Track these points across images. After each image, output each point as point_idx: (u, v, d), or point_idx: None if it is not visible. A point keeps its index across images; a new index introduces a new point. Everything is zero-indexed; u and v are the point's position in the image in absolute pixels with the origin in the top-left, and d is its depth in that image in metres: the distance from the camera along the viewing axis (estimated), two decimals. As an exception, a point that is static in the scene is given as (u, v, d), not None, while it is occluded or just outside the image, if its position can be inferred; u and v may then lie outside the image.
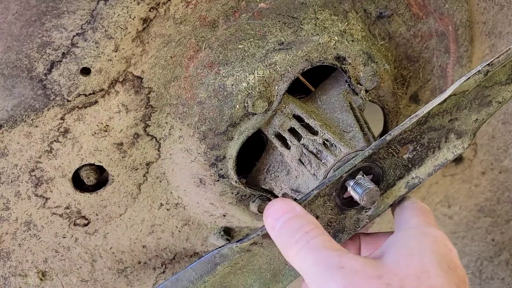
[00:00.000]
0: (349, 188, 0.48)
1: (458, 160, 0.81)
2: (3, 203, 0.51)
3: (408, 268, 0.38)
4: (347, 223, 0.51)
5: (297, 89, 0.59)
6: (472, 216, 0.85)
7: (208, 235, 0.66)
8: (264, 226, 0.48)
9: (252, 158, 0.62)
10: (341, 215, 0.50)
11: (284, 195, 0.57)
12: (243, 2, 0.51)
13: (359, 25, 0.57)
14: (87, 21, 0.45)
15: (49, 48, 0.45)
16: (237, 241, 0.47)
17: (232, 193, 0.58)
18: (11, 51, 0.44)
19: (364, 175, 0.48)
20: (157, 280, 0.63)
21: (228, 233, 0.67)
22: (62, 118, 0.49)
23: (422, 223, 0.45)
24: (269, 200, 0.60)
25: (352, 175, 0.48)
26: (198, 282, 0.47)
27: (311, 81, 0.61)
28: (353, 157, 0.47)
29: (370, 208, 0.51)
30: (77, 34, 0.45)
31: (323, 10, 0.54)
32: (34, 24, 0.44)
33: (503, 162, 0.82)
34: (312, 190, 0.46)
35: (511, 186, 0.83)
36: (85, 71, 0.47)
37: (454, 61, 0.67)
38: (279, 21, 0.52)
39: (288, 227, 0.42)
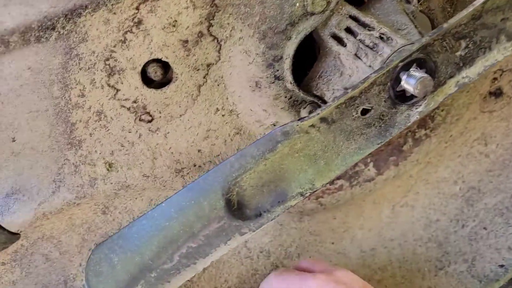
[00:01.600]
0: (403, 80, 0.51)
1: (498, 95, 0.83)
2: (80, 90, 0.56)
3: None
4: (398, 118, 0.54)
5: (351, 1, 0.62)
6: (509, 154, 0.87)
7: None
8: (321, 108, 0.51)
9: (303, 73, 0.65)
10: (393, 109, 0.53)
11: (334, 99, 0.60)
12: None
13: None
14: None
15: None
16: (298, 119, 0.50)
17: (286, 97, 0.62)
18: None
19: (418, 68, 0.51)
20: (210, 183, 0.67)
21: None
22: (137, 8, 0.53)
23: None
24: (319, 107, 0.64)
25: (407, 66, 0.51)
26: (260, 159, 0.51)
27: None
28: (409, 47, 0.50)
29: (420, 105, 0.54)
30: None
31: None
32: None
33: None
34: (370, 74, 0.50)
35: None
36: (163, -40, 0.51)
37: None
38: None
39: None
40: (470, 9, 0.49)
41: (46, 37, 0.51)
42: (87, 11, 0.51)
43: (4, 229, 0.58)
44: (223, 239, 0.52)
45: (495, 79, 0.80)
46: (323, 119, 0.51)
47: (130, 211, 0.68)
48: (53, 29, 0.51)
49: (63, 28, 0.51)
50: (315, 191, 0.54)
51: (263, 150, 0.51)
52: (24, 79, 0.53)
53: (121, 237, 0.52)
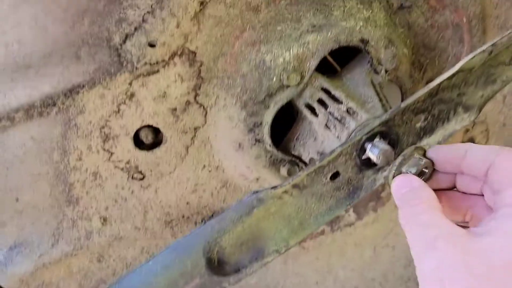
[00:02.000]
0: (368, 149, 0.56)
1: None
2: (77, 154, 0.62)
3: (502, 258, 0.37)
4: (365, 182, 0.59)
5: (325, 70, 0.68)
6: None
7: (242, 198, 0.76)
8: (293, 176, 0.56)
9: (283, 133, 0.71)
10: (359, 174, 0.58)
11: (311, 160, 0.66)
12: (283, -9, 0.61)
13: (381, 14, 0.65)
14: (156, 1, 0.55)
15: (125, 23, 0.55)
16: (271, 188, 0.56)
17: (266, 157, 0.67)
18: (95, 25, 0.55)
19: (381, 139, 0.56)
20: (198, 233, 0.73)
21: (260, 197, 0.76)
22: (130, 83, 0.59)
23: None
24: (297, 165, 0.69)
25: (370, 138, 0.56)
26: (238, 222, 0.56)
27: (338, 64, 0.70)
28: (372, 122, 0.56)
29: (385, 170, 0.59)
30: (148, 12, 0.55)
31: (351, -1, 0.63)
32: (114, 3, 0.54)
33: (514, 149, 0.88)
34: (337, 147, 0.55)
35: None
36: (152, 44, 0.57)
37: (468, 51, 0.75)
38: (312, 7, 0.62)
39: (403, 199, 0.47)
40: (426, 89, 0.55)
41: (47, 112, 0.57)
42: (84, 88, 0.57)
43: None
44: (205, 293, 0.57)
45: (467, 130, 0.86)
46: (295, 185, 0.56)
47: (124, 259, 0.73)
48: (54, 105, 0.57)
49: (63, 103, 0.57)
50: (290, 248, 0.59)
51: (240, 214, 0.56)
52: (27, 148, 0.59)
53: (113, 292, 0.57)
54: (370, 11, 0.64)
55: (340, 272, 0.90)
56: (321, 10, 0.62)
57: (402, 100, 0.72)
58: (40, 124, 0.58)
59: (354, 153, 0.56)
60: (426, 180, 0.51)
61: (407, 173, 0.51)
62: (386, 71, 0.64)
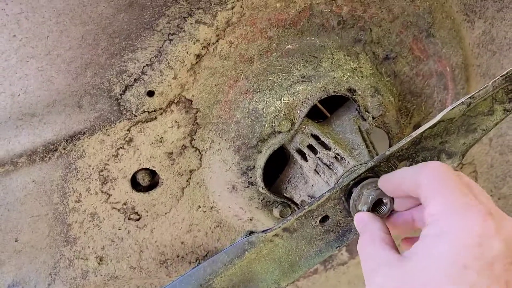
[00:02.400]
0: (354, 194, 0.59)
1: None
2: (76, 196, 0.64)
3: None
4: (354, 225, 0.62)
5: (316, 116, 0.71)
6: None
7: (236, 237, 0.78)
8: (283, 220, 0.59)
9: (275, 174, 0.73)
10: (348, 217, 0.61)
11: (302, 202, 0.68)
12: (274, 44, 0.65)
13: (368, 64, 0.69)
14: (155, 55, 0.59)
15: (125, 75, 0.59)
16: (262, 231, 0.58)
17: (259, 199, 0.70)
18: (97, 76, 0.58)
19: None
20: (192, 273, 0.74)
21: (253, 236, 0.78)
22: (128, 130, 0.62)
23: (442, 213, 0.42)
24: (289, 206, 0.72)
25: (358, 183, 0.59)
26: (229, 264, 0.58)
27: (328, 110, 0.73)
28: (358, 168, 0.58)
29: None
30: (147, 65, 0.59)
31: (338, 51, 0.67)
32: (115, 56, 0.58)
33: (501, 189, 0.91)
34: (325, 192, 0.58)
35: (509, 212, 0.91)
36: (150, 93, 0.60)
37: (452, 97, 0.78)
38: (302, 59, 0.65)
39: (360, 231, 0.53)
40: (409, 138, 0.58)
41: (49, 157, 0.60)
42: (85, 135, 0.60)
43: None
44: (197, 335, 0.58)
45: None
46: (285, 229, 0.59)
47: (119, 298, 0.74)
48: (55, 150, 0.60)
49: (64, 149, 0.60)
50: (281, 290, 0.60)
51: (232, 257, 0.58)
52: (28, 190, 0.62)
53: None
54: (357, 62, 0.68)
55: (333, 310, 0.91)
56: (310, 61, 0.65)
57: (390, 145, 0.75)
58: (41, 168, 0.61)
59: (342, 198, 0.59)
60: (390, 204, 0.55)
61: (362, 210, 0.56)
62: (373, 118, 0.67)
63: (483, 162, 0.89)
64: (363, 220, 0.54)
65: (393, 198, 0.55)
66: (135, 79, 0.59)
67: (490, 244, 0.39)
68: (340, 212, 0.60)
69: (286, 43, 0.65)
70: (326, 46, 0.67)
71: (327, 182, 0.61)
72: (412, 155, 0.60)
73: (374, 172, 0.59)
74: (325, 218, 0.60)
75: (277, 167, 0.73)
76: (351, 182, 0.58)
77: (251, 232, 0.80)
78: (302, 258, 0.61)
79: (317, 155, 0.63)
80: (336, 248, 0.62)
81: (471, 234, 0.40)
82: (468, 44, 0.76)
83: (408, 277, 0.41)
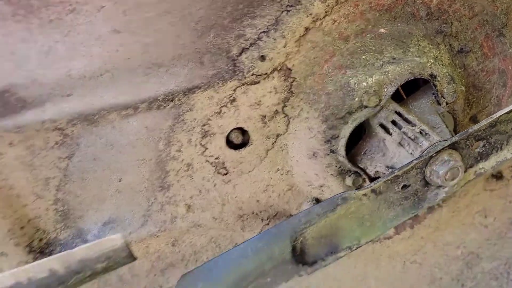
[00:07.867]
0: (436, 166, 0.66)
1: (499, 177, 0.99)
2: (179, 146, 0.70)
3: None
4: (429, 195, 0.69)
5: (392, 97, 0.78)
6: (505, 227, 1.02)
7: (302, 202, 0.84)
8: (373, 183, 0.66)
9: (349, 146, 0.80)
10: (425, 188, 0.68)
11: (377, 173, 0.76)
12: (370, 26, 0.72)
13: (446, 54, 0.76)
14: (272, 23, 0.65)
15: (242, 39, 0.65)
16: (356, 189, 0.65)
17: (336, 166, 0.77)
18: (218, 37, 0.64)
19: (449, 157, 0.66)
20: (262, 229, 0.81)
21: (318, 203, 0.85)
22: (234, 90, 0.69)
23: None
24: (361, 176, 0.79)
25: (440, 156, 0.66)
26: (322, 216, 0.65)
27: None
28: (443, 143, 0.66)
29: (446, 187, 0.69)
30: (263, 31, 0.65)
31: (424, 40, 0.75)
32: (237, 21, 0.64)
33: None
34: (412, 160, 0.65)
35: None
36: (262, 58, 0.67)
37: (509, 94, 0.86)
38: (393, 42, 0.73)
39: None
40: (488, 120, 0.65)
41: (164, 106, 0.66)
42: (200, 90, 0.66)
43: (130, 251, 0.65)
44: (285, 278, 0.65)
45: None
46: (373, 190, 0.66)
47: (194, 246, 0.81)
48: (172, 101, 0.66)
49: (179, 100, 0.66)
50: (360, 246, 0.67)
51: (325, 210, 0.65)
52: (140, 135, 0.67)
53: (206, 268, 0.65)
54: (438, 51, 0.75)
55: (372, 282, 0.99)
56: (400, 45, 0.73)
57: (455, 131, 0.83)
58: (155, 116, 0.67)
59: (424, 168, 0.66)
60: None
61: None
62: (446, 103, 0.75)
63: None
64: None
65: None
66: (251, 44, 0.66)
67: None
68: (420, 181, 0.68)
69: (380, 26, 0.72)
70: (413, 34, 0.74)
71: (412, 154, 0.68)
72: (487, 136, 0.68)
73: (455, 148, 0.67)
74: (406, 186, 0.67)
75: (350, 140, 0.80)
76: (435, 154, 0.66)
77: (316, 199, 0.87)
78: (381, 220, 0.68)
79: (402, 130, 0.70)
80: (411, 214, 0.69)
81: None
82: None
83: None
